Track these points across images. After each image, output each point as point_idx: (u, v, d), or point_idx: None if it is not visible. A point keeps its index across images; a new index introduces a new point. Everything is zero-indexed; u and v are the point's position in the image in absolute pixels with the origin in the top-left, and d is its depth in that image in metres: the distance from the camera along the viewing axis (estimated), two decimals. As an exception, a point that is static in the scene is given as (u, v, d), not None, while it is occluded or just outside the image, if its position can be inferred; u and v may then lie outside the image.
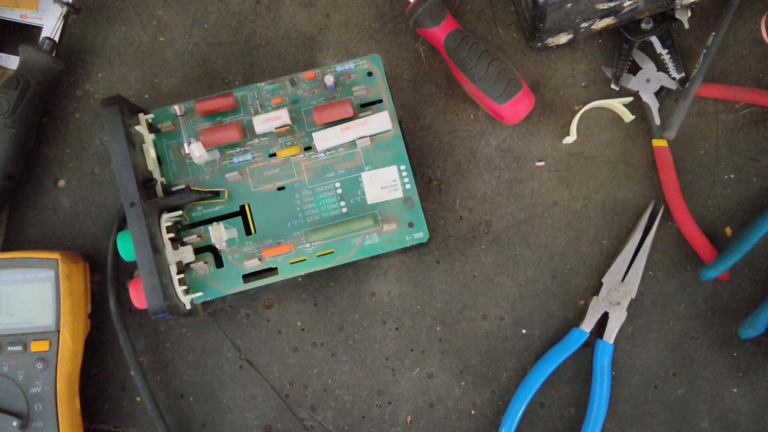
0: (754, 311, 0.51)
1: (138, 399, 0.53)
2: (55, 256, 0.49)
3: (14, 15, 0.55)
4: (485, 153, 0.55)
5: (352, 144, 0.49)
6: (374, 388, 0.53)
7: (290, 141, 0.49)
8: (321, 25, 0.56)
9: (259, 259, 0.48)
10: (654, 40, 0.54)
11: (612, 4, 0.49)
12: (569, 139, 0.54)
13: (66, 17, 0.54)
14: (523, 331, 0.54)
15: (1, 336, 0.48)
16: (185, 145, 0.48)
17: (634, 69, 0.55)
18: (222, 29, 0.56)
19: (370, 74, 0.50)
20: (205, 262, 0.47)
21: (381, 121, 0.48)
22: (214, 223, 0.47)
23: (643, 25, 0.53)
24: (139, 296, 0.47)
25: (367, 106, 0.49)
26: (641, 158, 0.55)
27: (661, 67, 0.54)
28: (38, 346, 0.48)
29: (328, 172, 0.49)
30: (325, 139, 0.48)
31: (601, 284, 0.53)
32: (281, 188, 0.49)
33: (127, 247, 0.47)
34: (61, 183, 0.55)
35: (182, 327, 0.53)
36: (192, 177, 0.49)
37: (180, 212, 0.47)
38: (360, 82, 0.50)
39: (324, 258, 0.48)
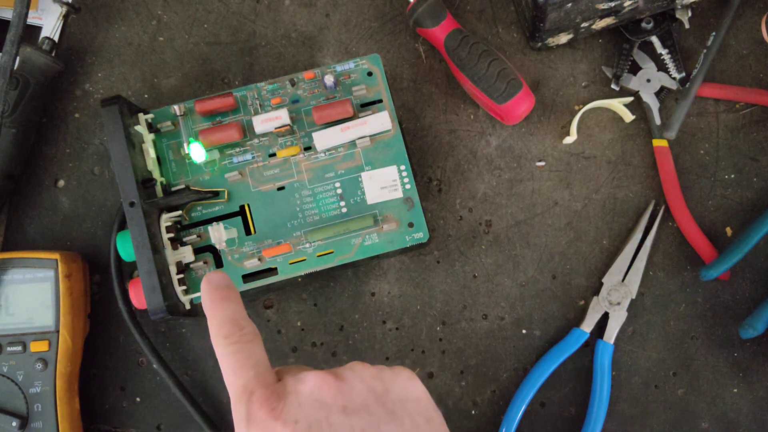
0: (755, 311, 0.51)
1: (138, 399, 0.53)
2: (55, 256, 0.49)
3: (14, 15, 0.55)
4: (485, 153, 0.55)
5: (352, 144, 0.49)
6: (374, 388, 0.53)
7: (290, 141, 0.49)
8: (321, 24, 0.56)
9: (259, 260, 0.48)
10: (654, 39, 0.54)
11: (612, 4, 0.49)
12: (569, 139, 0.54)
13: (66, 17, 0.54)
14: (524, 331, 0.54)
15: (0, 336, 0.48)
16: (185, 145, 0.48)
17: (635, 69, 0.55)
18: (222, 29, 0.56)
19: (370, 74, 0.50)
20: (204, 262, 0.47)
21: (381, 121, 0.48)
22: (214, 223, 0.47)
23: (644, 25, 0.53)
24: (138, 296, 0.46)
25: (367, 106, 0.49)
26: (641, 158, 0.55)
27: (662, 67, 0.54)
28: (38, 347, 0.48)
29: (328, 172, 0.49)
30: (325, 139, 0.48)
31: (601, 284, 0.53)
32: (281, 188, 0.49)
33: (126, 247, 0.47)
34: (61, 183, 0.54)
35: (182, 327, 0.53)
36: (192, 177, 0.49)
37: (180, 212, 0.47)
38: (360, 82, 0.50)
39: (324, 258, 0.48)
